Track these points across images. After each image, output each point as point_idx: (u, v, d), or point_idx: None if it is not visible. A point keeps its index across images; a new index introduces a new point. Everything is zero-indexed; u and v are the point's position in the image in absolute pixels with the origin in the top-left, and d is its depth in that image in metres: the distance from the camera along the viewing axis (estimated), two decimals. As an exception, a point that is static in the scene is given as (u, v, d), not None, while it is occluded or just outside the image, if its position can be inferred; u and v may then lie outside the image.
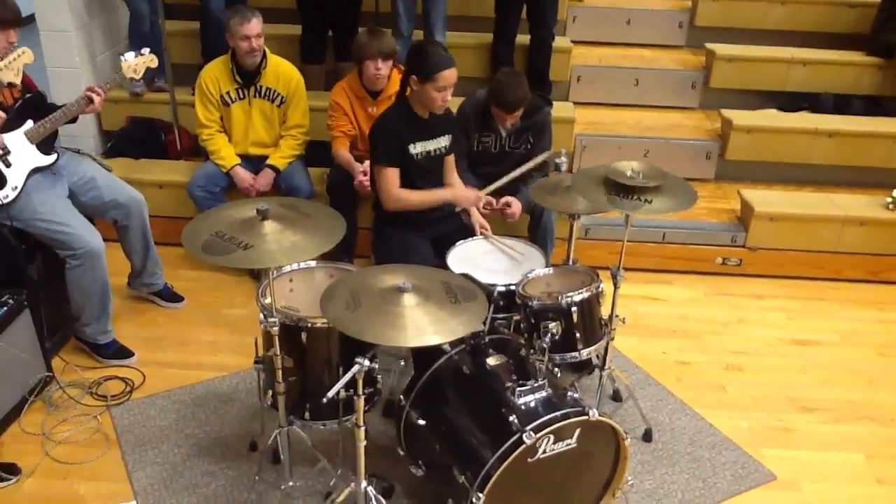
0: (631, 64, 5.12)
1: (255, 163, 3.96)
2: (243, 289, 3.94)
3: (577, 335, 2.70)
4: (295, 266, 2.76)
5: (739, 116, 4.68)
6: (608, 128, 4.79)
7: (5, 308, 2.93)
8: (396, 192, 3.10)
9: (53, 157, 3.21)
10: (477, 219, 3.29)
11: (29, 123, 3.12)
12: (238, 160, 3.91)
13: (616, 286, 2.78)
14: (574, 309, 2.66)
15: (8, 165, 3.05)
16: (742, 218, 4.30)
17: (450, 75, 2.94)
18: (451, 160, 3.26)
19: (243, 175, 3.90)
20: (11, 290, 3.02)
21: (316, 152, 4.13)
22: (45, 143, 3.19)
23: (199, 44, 4.63)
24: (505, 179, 3.43)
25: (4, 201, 3.03)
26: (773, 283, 4.18)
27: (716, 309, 3.96)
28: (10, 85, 2.70)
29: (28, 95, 3.17)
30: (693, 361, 3.54)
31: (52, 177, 3.22)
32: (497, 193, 3.47)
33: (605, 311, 2.86)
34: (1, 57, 2.47)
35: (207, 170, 3.95)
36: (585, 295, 2.69)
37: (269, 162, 3.93)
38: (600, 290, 2.76)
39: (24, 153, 3.10)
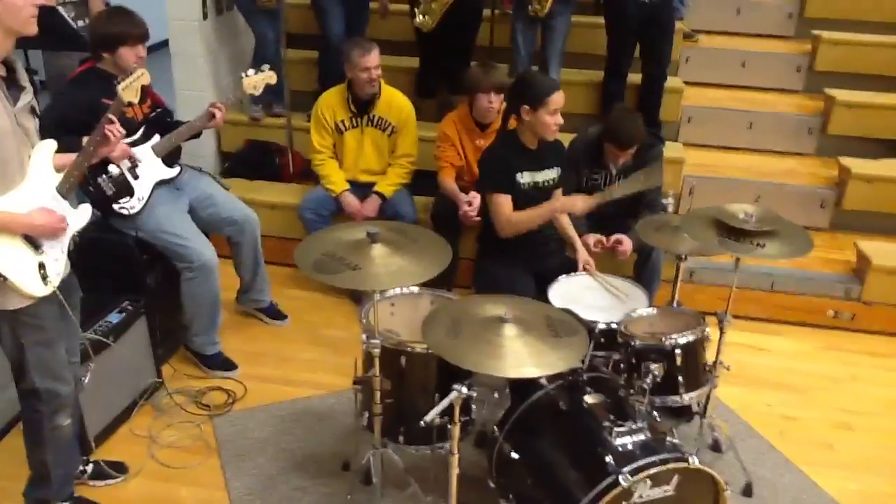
0: (745, 106, 5.01)
1: (362, 189, 4.07)
2: (344, 310, 4.02)
3: (680, 379, 2.63)
4: (398, 291, 2.81)
5: (859, 165, 4.49)
6: (718, 170, 4.69)
7: (124, 314, 3.09)
8: (510, 215, 3.11)
9: (177, 170, 3.39)
10: (582, 255, 3.27)
11: (156, 138, 3.31)
12: (347, 186, 4.03)
13: (722, 332, 2.70)
14: (678, 351, 2.60)
15: (136, 177, 3.24)
16: (857, 270, 4.11)
17: (559, 98, 2.98)
18: (557, 193, 3.26)
19: (351, 201, 4.01)
20: (130, 296, 3.19)
21: (422, 181, 4.20)
22: (170, 158, 3.37)
23: (316, 72, 4.82)
24: (619, 191, 3.33)
25: (131, 211, 3.21)
26: (890, 341, 3.96)
27: (826, 364, 3.78)
28: (129, 104, 2.87)
29: (156, 111, 3.37)
30: (799, 417, 3.39)
31: (175, 191, 3.39)
32: (607, 231, 3.44)
33: (709, 357, 2.78)
34: (128, 74, 2.63)
35: (317, 194, 4.08)
36: (690, 338, 2.62)
37: (376, 188, 4.03)
38: (705, 334, 2.69)
39: (150, 166, 3.29)
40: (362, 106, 3.96)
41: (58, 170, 2.38)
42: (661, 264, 3.60)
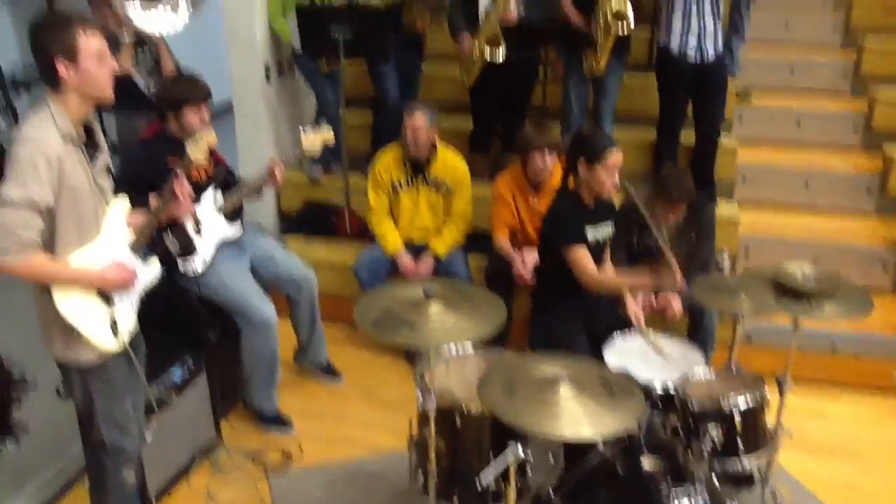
0: (801, 165, 4.97)
1: (417, 248, 4.13)
2: (398, 370, 4.05)
3: (739, 443, 2.58)
4: (453, 350, 2.83)
5: (921, 225, 4.41)
6: (774, 230, 4.64)
7: (186, 369, 3.18)
8: (593, 270, 3.11)
9: (239, 228, 3.50)
10: (632, 308, 3.26)
11: (219, 196, 3.44)
12: (402, 246, 4.09)
13: (782, 395, 2.65)
14: (737, 414, 2.55)
15: (199, 235, 3.36)
16: (923, 333, 4.00)
17: (616, 155, 3.02)
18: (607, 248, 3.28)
19: (406, 261, 4.07)
20: (191, 352, 3.27)
21: (476, 241, 4.25)
22: (232, 216, 3.49)
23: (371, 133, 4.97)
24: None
25: (195, 269, 3.32)
26: (958, 407, 3.83)
27: (891, 430, 3.65)
28: (198, 164, 3.00)
29: (219, 171, 3.50)
30: (864, 485, 3.27)
31: (236, 249, 3.50)
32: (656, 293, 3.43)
33: (769, 421, 2.73)
34: (193, 134, 2.76)
35: (373, 253, 4.16)
36: (750, 401, 2.58)
37: (430, 248, 4.08)
38: (765, 397, 2.64)
39: (213, 224, 3.40)
40: (418, 166, 4.05)
41: (130, 227, 2.49)
42: (715, 325, 3.56)
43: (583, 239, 3.12)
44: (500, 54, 4.22)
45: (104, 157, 2.45)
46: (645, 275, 3.14)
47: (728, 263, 3.28)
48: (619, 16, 4.16)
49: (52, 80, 2.25)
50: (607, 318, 3.29)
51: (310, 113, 5.21)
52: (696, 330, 3.55)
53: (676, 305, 3.45)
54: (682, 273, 3.46)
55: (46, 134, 2.24)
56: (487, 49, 4.23)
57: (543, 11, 4.41)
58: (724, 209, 4.44)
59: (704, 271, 3.55)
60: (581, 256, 3.12)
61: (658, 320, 3.48)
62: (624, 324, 3.23)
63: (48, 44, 2.22)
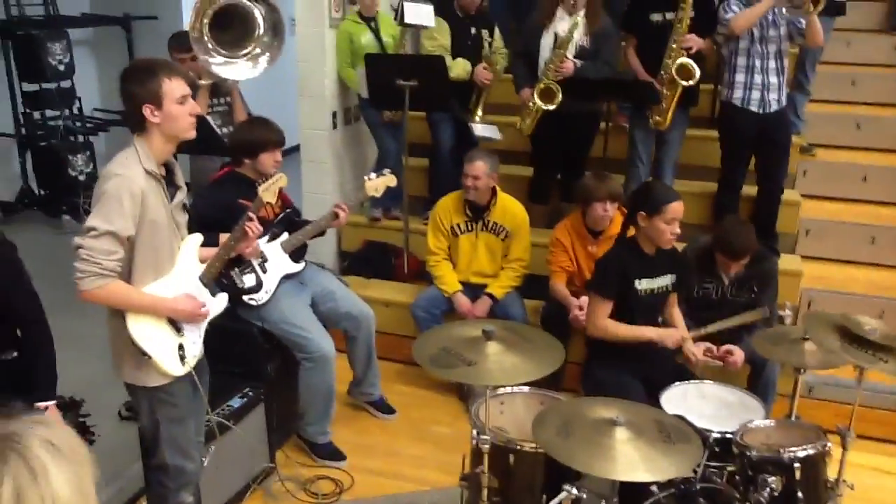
0: (866, 221, 4.89)
1: (474, 290, 4.18)
2: (450, 408, 4.07)
3: (799, 495, 2.51)
4: (509, 389, 2.85)
5: None
6: (838, 284, 4.56)
7: (246, 399, 3.26)
8: (602, 321, 3.17)
9: (302, 265, 3.61)
10: (689, 348, 3.25)
11: (284, 235, 3.56)
12: (460, 287, 4.15)
13: (845, 448, 2.59)
14: (797, 465, 2.49)
15: (265, 271, 3.47)
16: None
17: (676, 207, 3.03)
18: (672, 298, 3.28)
19: (463, 301, 4.12)
20: (252, 383, 3.36)
21: (532, 285, 4.28)
22: (296, 254, 3.60)
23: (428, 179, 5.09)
24: (716, 327, 3.35)
25: (259, 303, 3.42)
26: None
27: (958, 494, 3.52)
28: (270, 204, 3.12)
29: (286, 211, 3.62)
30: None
31: (299, 285, 3.60)
32: (717, 341, 3.40)
33: (830, 475, 2.66)
34: (268, 177, 2.88)
35: (430, 293, 4.22)
36: (811, 452, 2.52)
37: (487, 290, 4.12)
38: (827, 449, 2.58)
39: (278, 261, 3.51)
40: (478, 211, 4.12)
41: (201, 261, 2.61)
42: (776, 377, 3.50)
43: (611, 293, 3.15)
44: (554, 103, 4.32)
45: (182, 195, 2.58)
46: (650, 331, 3.18)
47: (790, 315, 3.26)
48: (686, 72, 4.22)
49: (139, 124, 2.40)
50: (664, 366, 3.27)
51: (372, 158, 5.36)
52: (757, 381, 3.49)
53: (738, 355, 3.40)
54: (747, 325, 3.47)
55: (132, 171, 2.38)
56: (539, 99, 4.34)
57: (607, 66, 4.50)
58: (786, 262, 4.39)
59: (766, 324, 3.51)
60: (596, 304, 3.18)
61: (721, 370, 3.43)
62: (682, 373, 3.21)
63: (136, 91, 2.38)
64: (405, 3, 4.54)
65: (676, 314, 3.32)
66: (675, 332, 3.25)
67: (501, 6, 5.31)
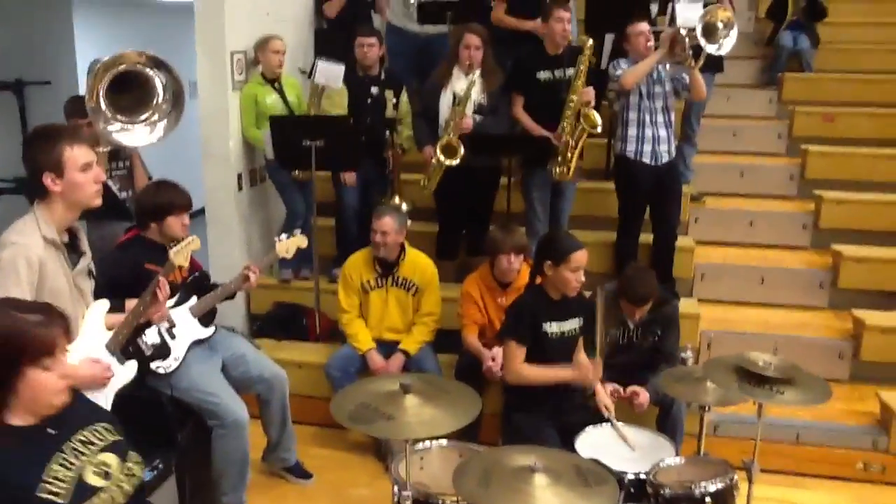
0: (756, 263, 5.18)
1: (387, 347, 4.18)
2: (368, 468, 4.02)
3: (712, 529, 2.62)
4: (427, 444, 2.86)
5: (873, 317, 4.58)
6: (734, 325, 4.79)
7: (155, 471, 3.12)
8: (518, 366, 3.26)
9: (212, 330, 3.53)
10: (602, 399, 3.32)
11: (193, 299, 3.49)
12: (374, 344, 4.14)
13: (751, 481, 2.71)
14: (708, 500, 2.59)
15: (173, 337, 3.38)
16: (882, 421, 4.10)
17: (580, 256, 3.17)
18: (580, 342, 3.37)
19: (377, 359, 4.11)
20: (161, 453, 3.23)
21: (444, 339, 4.31)
22: (206, 318, 3.53)
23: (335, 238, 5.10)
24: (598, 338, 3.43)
25: (167, 370, 3.32)
26: (923, 494, 3.90)
27: (860, 519, 3.71)
28: (180, 267, 3.07)
29: (194, 275, 3.56)
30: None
31: (208, 350, 3.52)
32: (624, 382, 3.51)
33: (739, 508, 2.77)
34: (177, 240, 2.85)
35: (344, 352, 4.19)
36: (720, 486, 2.63)
37: (400, 346, 4.13)
38: (735, 482, 2.69)
39: (187, 326, 3.44)
40: (387, 267, 4.15)
41: (108, 328, 2.53)
42: (683, 417, 3.63)
43: (524, 337, 3.25)
44: (456, 159, 4.45)
45: (86, 261, 2.52)
46: (566, 370, 3.24)
47: (691, 356, 3.40)
48: (591, 121, 4.42)
49: (40, 191, 2.35)
50: (578, 411, 3.34)
51: (278, 219, 5.34)
52: (665, 420, 3.61)
53: (644, 397, 3.53)
54: (652, 366, 3.60)
55: (30, 238, 2.32)
56: (442, 155, 4.46)
57: (506, 121, 4.67)
58: (684, 305, 4.57)
59: (670, 364, 3.65)
60: (510, 349, 3.28)
61: (627, 411, 3.54)
62: (594, 416, 3.29)
63: (37, 157, 2.34)
64: (318, 62, 4.61)
65: (583, 358, 3.41)
66: (586, 368, 3.29)
67: (402, 67, 5.45)
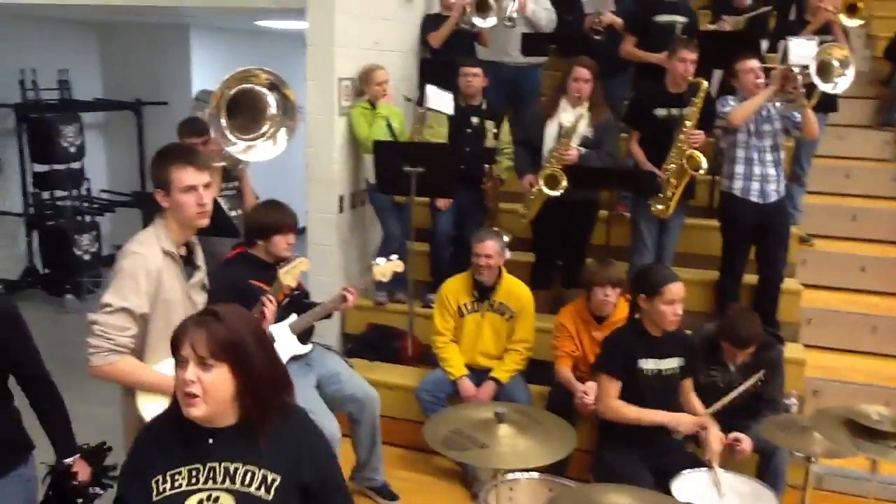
0: (867, 310, 4.93)
1: (479, 374, 4.17)
2: (454, 495, 4.00)
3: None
4: (517, 475, 2.82)
5: None
6: (842, 373, 4.56)
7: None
8: (613, 402, 3.20)
9: (309, 347, 3.61)
10: (711, 443, 3.18)
11: (293, 316, 3.57)
12: (466, 371, 4.14)
13: (859, 541, 2.55)
14: (813, 557, 2.47)
15: (272, 353, 3.46)
16: None
17: (674, 288, 3.10)
18: (687, 384, 3.29)
19: (468, 386, 4.10)
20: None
21: (536, 370, 4.28)
22: (303, 335, 3.61)
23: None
24: (726, 400, 3.32)
25: (265, 384, 3.40)
26: None
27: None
28: (288, 287, 3.16)
29: (295, 293, 3.64)
30: None
31: (305, 366, 3.59)
32: (725, 429, 3.38)
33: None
34: (282, 259, 2.93)
35: (436, 376, 4.21)
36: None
37: (492, 374, 4.11)
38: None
39: (286, 342, 3.52)
40: (484, 291, 4.15)
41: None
42: (785, 467, 3.47)
43: (618, 372, 3.19)
44: (559, 190, 4.42)
45: (200, 275, 2.63)
46: (663, 414, 3.19)
47: (796, 404, 3.26)
48: (695, 162, 4.35)
49: (158, 206, 2.47)
50: (674, 453, 3.25)
51: (374, 242, 5.43)
52: (766, 469, 3.46)
53: (747, 444, 3.38)
54: (753, 412, 3.47)
55: (150, 249, 2.44)
56: (545, 185, 4.45)
57: (610, 156, 4.63)
58: (789, 350, 4.39)
59: (772, 411, 3.50)
60: (604, 383, 3.23)
61: (725, 457, 3.40)
62: (692, 461, 3.18)
63: (153, 174, 2.50)
64: (428, 88, 4.69)
65: (694, 401, 3.32)
66: (688, 416, 3.24)
67: (494, 98, 5.48)
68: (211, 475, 1.83)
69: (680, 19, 5.15)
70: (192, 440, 1.85)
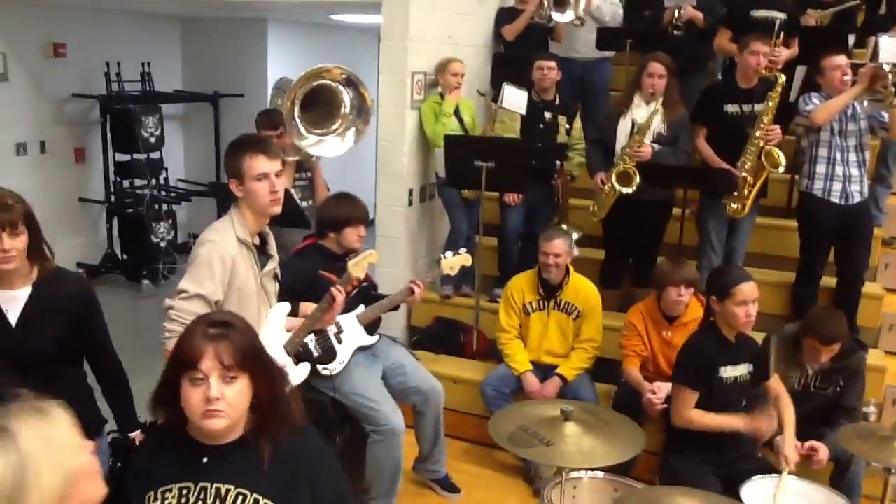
0: (953, 318, 4.71)
1: (544, 370, 4.14)
2: (516, 491, 3.99)
3: None
4: (581, 474, 2.79)
5: None
6: (925, 384, 4.37)
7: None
8: (688, 413, 3.13)
9: (376, 338, 3.65)
10: (786, 450, 3.11)
11: (361, 308, 3.61)
12: (530, 366, 4.12)
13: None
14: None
15: (340, 342, 3.51)
16: None
17: (746, 289, 3.02)
18: (778, 385, 3.21)
19: (532, 381, 4.08)
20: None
21: (603, 369, 4.23)
22: (371, 326, 3.64)
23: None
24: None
25: (332, 373, 3.45)
26: None
27: None
28: (357, 279, 3.19)
29: (363, 284, 3.68)
30: None
31: (371, 357, 3.63)
32: (801, 437, 3.28)
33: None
34: (353, 251, 2.96)
35: (500, 372, 4.20)
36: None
37: (558, 371, 4.08)
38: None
39: (353, 333, 3.56)
40: (550, 290, 4.12)
41: (287, 331, 2.67)
42: (861, 477, 3.34)
43: (698, 385, 3.13)
44: (631, 187, 4.36)
45: (273, 264, 2.68)
46: (738, 419, 3.12)
47: (875, 412, 3.13)
48: (773, 159, 4.23)
49: (233, 196, 2.53)
50: (743, 460, 3.17)
51: (442, 236, 5.44)
52: (841, 479, 3.34)
53: (823, 453, 3.27)
54: (829, 420, 3.35)
55: (225, 238, 2.49)
56: (617, 183, 4.39)
57: (685, 153, 4.53)
58: (869, 357, 4.22)
59: (850, 419, 3.39)
60: (682, 395, 3.14)
61: (801, 467, 3.30)
62: (761, 466, 3.10)
63: (227, 164, 2.56)
64: (505, 87, 4.67)
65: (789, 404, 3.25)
66: (766, 422, 3.14)
67: (568, 94, 5.42)
68: (201, 496, 1.79)
69: (779, 15, 4.98)
70: (187, 457, 1.82)
